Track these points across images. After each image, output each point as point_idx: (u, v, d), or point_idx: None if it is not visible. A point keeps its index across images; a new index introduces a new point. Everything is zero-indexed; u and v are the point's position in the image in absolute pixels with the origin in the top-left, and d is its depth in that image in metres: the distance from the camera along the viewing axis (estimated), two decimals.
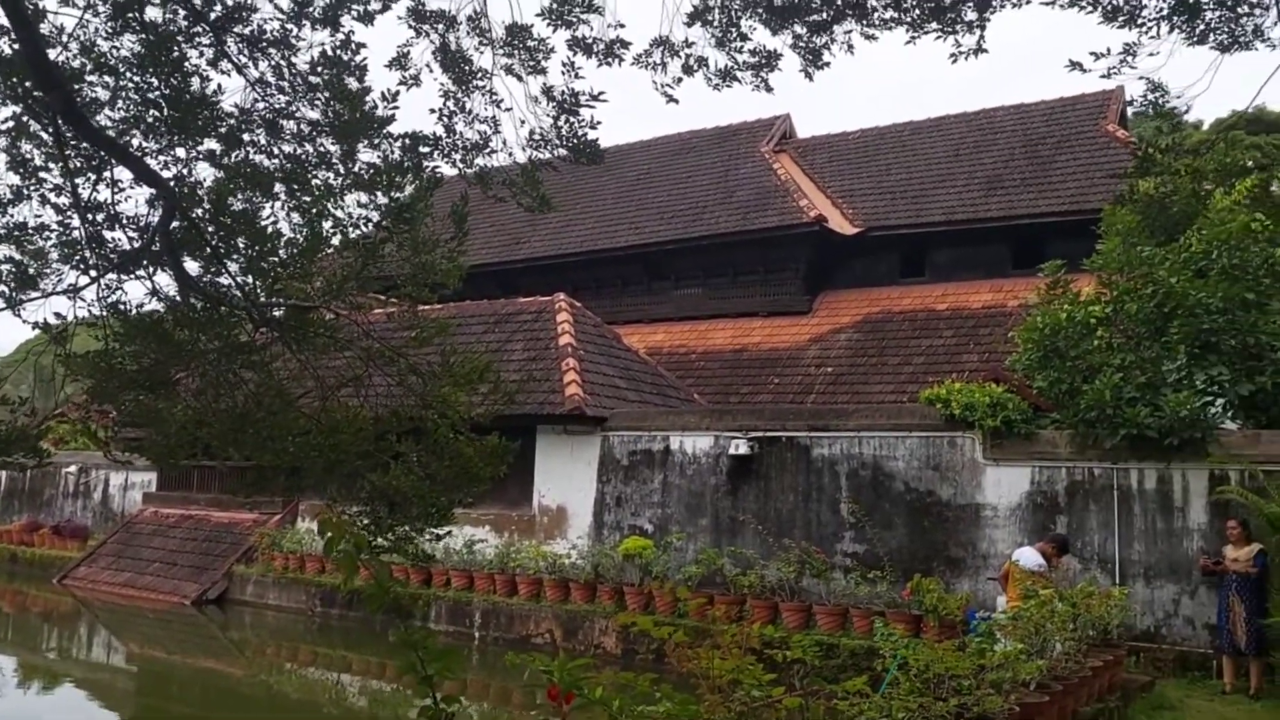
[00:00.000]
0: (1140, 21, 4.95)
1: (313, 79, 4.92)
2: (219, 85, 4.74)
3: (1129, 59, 5.07)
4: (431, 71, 5.42)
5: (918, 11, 5.16)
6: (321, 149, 4.90)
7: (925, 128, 25.01)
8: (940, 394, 13.13)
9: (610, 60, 5.42)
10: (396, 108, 4.72)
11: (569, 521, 16.28)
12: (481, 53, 5.42)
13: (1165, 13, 4.92)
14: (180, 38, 4.85)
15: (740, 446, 14.46)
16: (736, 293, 23.22)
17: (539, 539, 16.32)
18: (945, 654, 6.10)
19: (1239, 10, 5.10)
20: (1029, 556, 10.29)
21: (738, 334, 22.30)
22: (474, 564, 16.19)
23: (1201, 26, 5.00)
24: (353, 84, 4.86)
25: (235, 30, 4.92)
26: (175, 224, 4.42)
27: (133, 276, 4.54)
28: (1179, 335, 12.04)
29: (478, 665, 14.61)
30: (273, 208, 4.66)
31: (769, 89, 5.63)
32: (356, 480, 4.84)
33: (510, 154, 5.59)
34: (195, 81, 4.76)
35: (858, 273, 22.26)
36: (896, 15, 5.20)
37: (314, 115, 4.94)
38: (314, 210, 4.72)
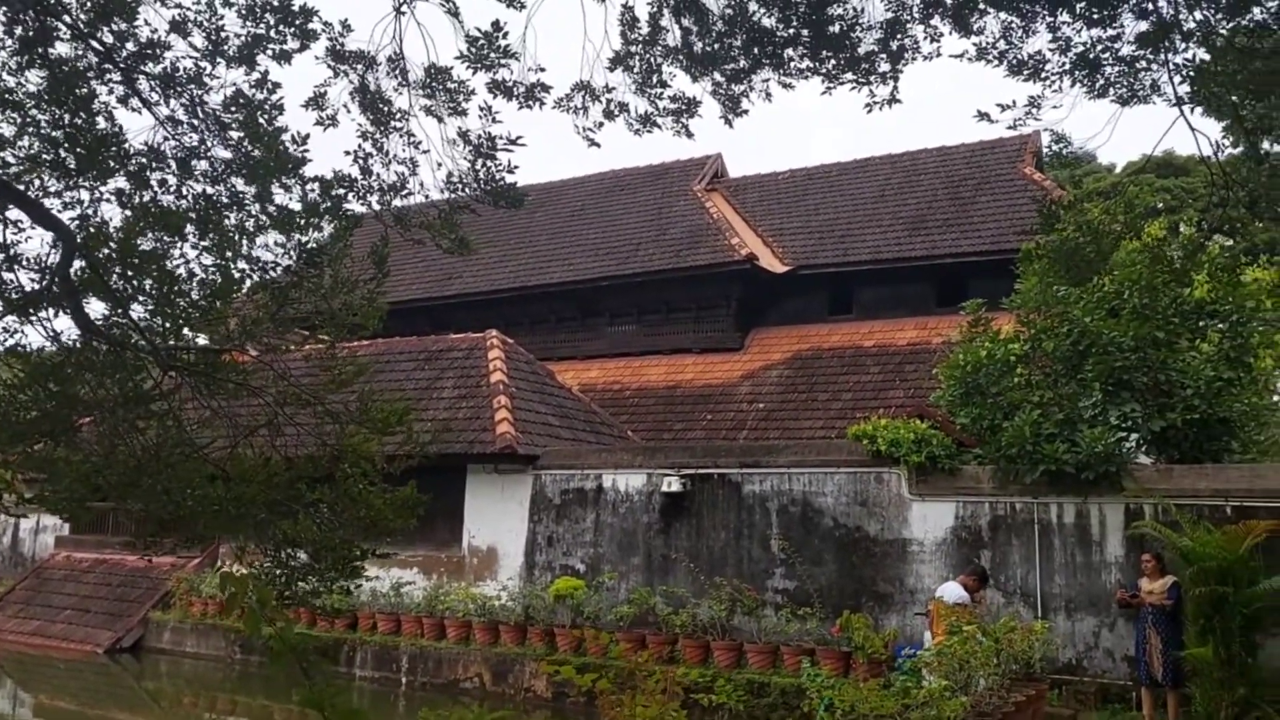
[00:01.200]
0: (1044, 75, 5.16)
1: (226, 118, 4.83)
2: (121, 127, 4.61)
3: (1034, 110, 5.27)
4: (349, 112, 5.38)
5: (833, 62, 5.30)
6: (234, 189, 4.79)
7: (852, 168, 25.59)
8: (867, 430, 13.32)
9: (531, 103, 5.42)
10: (307, 150, 4.64)
11: (499, 562, 16.04)
12: (400, 93, 5.41)
13: (1068, 68, 5.13)
14: (89, 74, 4.73)
15: (673, 484, 14.45)
16: (670, 329, 23.35)
17: (469, 580, 16.05)
18: (870, 694, 6.13)
19: (1137, 66, 5.34)
20: (952, 591, 10.42)
21: (671, 370, 22.40)
22: (401, 607, 15.84)
23: (1102, 81, 5.21)
24: (267, 124, 4.77)
25: (146, 68, 4.82)
26: (77, 265, 4.28)
27: (32, 319, 4.37)
28: (1094, 373, 12.41)
29: (404, 712, 14.24)
30: (182, 249, 4.54)
31: (689, 135, 5.71)
32: (266, 529, 4.69)
33: (427, 195, 5.54)
34: (102, 120, 4.63)
35: (788, 310, 22.57)
36: (812, 65, 5.32)
37: (226, 155, 4.85)
38: (227, 251, 4.61)
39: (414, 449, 5.32)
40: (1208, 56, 5.51)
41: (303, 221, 4.71)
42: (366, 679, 15.32)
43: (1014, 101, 5.16)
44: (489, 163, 5.20)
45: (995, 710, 7.95)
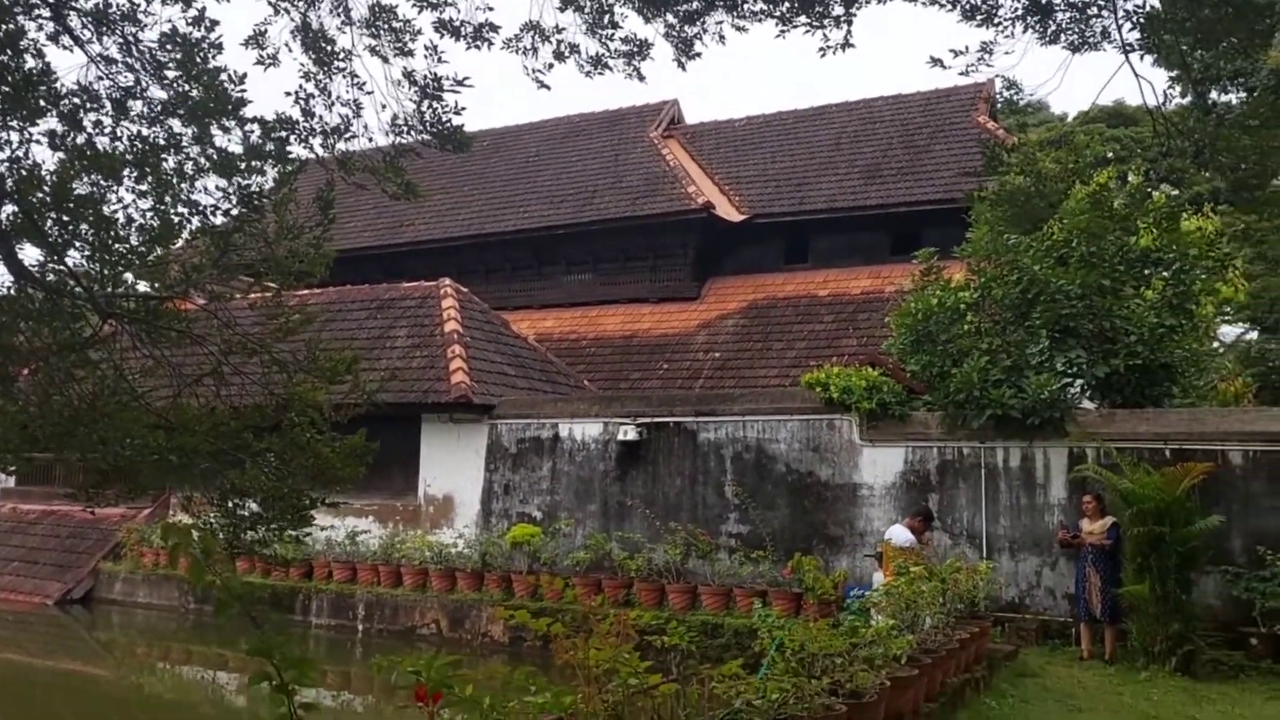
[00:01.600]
0: (996, 21, 5.15)
1: (162, 56, 4.64)
2: (50, 65, 4.38)
3: (986, 56, 5.27)
4: (291, 51, 5.19)
5: (787, 5, 5.24)
6: (171, 131, 4.62)
7: (809, 116, 25.50)
8: (820, 378, 13.46)
9: (479, 44, 5.29)
10: (245, 90, 4.46)
11: (456, 510, 16.07)
12: (344, 32, 5.23)
13: (1019, 13, 5.13)
14: (16, 8, 4.51)
15: (629, 432, 14.53)
16: (626, 278, 23.28)
17: (425, 528, 16.07)
18: (819, 633, 6.26)
19: (1088, 13, 5.35)
20: (900, 534, 10.66)
21: (628, 320, 22.38)
22: (357, 555, 15.85)
23: (1053, 27, 5.22)
24: (205, 63, 4.59)
25: (76, 4, 4.61)
26: (8, 210, 4.13)
27: None
28: (1041, 320, 12.63)
29: (360, 658, 14.32)
30: (119, 193, 4.39)
31: (641, 78, 5.63)
32: (213, 479, 4.62)
33: (371, 139, 5.41)
34: (30, 58, 4.42)
35: (744, 259, 22.60)
36: (766, 8, 5.26)
37: (163, 95, 4.67)
38: (166, 195, 4.47)
39: (361, 398, 5.25)
40: (1158, 4, 5.54)
41: (244, 165, 4.57)
42: (323, 627, 15.35)
43: (966, 48, 5.16)
44: (435, 104, 5.09)
45: (940, 647, 8.18)
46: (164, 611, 16.95)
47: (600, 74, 5.41)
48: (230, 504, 4.71)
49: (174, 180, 4.53)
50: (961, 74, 5.41)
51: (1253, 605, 10.68)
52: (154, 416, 4.47)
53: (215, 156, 4.61)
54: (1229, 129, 6.70)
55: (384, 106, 5.07)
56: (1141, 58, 5.69)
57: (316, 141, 5.01)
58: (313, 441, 4.94)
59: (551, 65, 5.56)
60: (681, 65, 5.53)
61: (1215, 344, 21.90)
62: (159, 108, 4.55)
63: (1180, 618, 10.21)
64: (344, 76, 5.18)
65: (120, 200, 4.34)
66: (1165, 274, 13.22)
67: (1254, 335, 28.52)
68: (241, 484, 4.69)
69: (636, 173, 24.05)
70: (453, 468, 16.18)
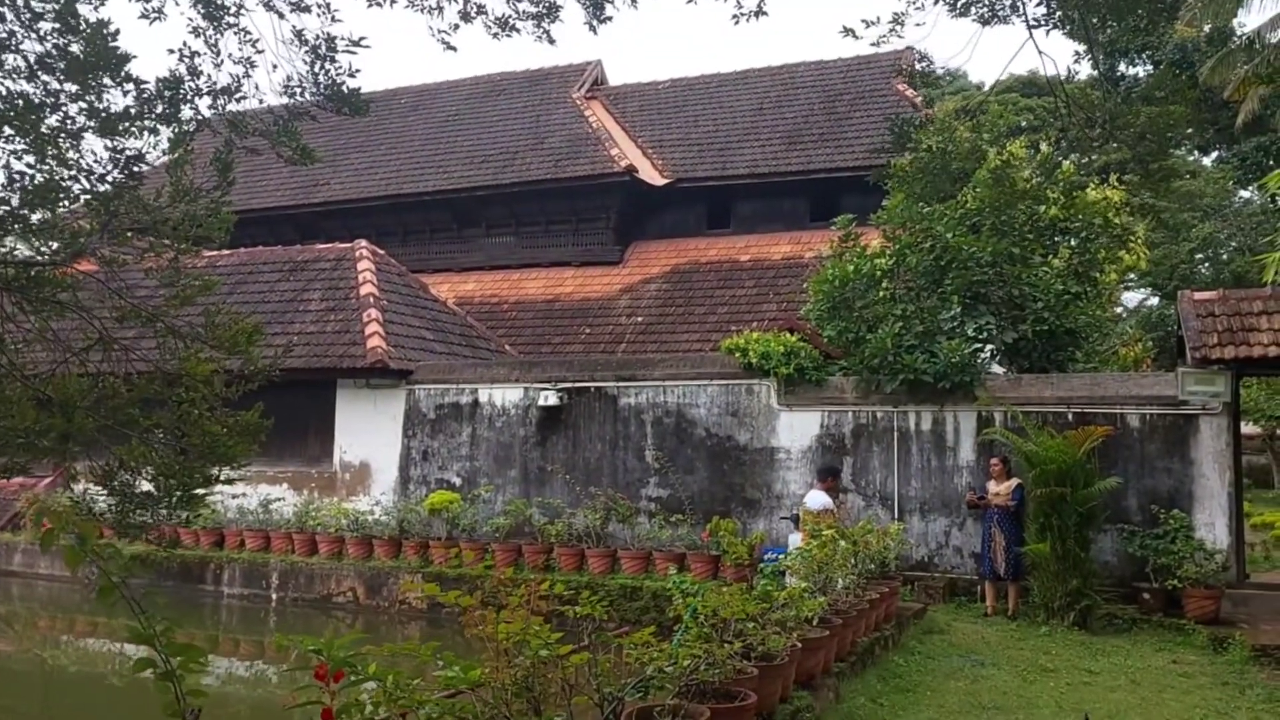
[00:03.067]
0: None
1: (38, 6, 4.33)
2: None
3: (898, 28, 5.30)
4: (179, 4, 4.89)
5: None
6: (50, 88, 4.33)
7: (731, 80, 25.47)
8: (739, 343, 13.57)
9: (380, 1, 5.09)
10: (116, 44, 4.18)
11: (373, 477, 15.84)
12: None
13: None
14: None
15: (549, 398, 14.46)
16: (549, 242, 23.07)
17: (341, 496, 15.82)
18: (733, 598, 6.34)
19: None
20: (816, 498, 10.86)
21: (550, 284, 22.21)
22: (271, 524, 15.55)
23: (964, 1, 5.28)
24: (87, 17, 4.32)
25: None
26: None
27: None
28: (953, 287, 12.91)
29: (274, 627, 14.10)
30: None
31: (551, 40, 5.49)
32: (99, 454, 4.41)
33: (262, 100, 5.17)
34: None
35: (667, 223, 22.59)
36: None
37: (39, 49, 4.36)
38: (47, 154, 4.20)
39: (256, 371, 5.06)
40: None
41: (132, 125, 4.32)
42: (235, 596, 15.04)
43: (878, 18, 5.17)
44: (328, 65, 4.88)
45: (851, 608, 8.39)
46: (67, 583, 16.38)
47: (508, 36, 5.28)
48: (117, 482, 4.51)
49: (56, 139, 4.27)
50: (873, 44, 5.43)
51: (1146, 561, 11.21)
52: (31, 390, 4.23)
53: (102, 114, 4.35)
54: (1131, 103, 6.86)
55: (275, 67, 4.84)
56: (1048, 33, 5.79)
57: (204, 102, 4.77)
58: (201, 417, 4.74)
59: (458, 26, 5.41)
60: (593, 28, 5.42)
61: (1118, 310, 22.74)
62: (35, 62, 4.26)
63: (1079, 574, 10.65)
64: (234, 33, 4.93)
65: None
66: (1072, 243, 13.62)
67: (1154, 301, 29.72)
68: (130, 461, 4.49)
69: (559, 134, 23.76)
70: (369, 434, 15.92)
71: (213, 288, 4.88)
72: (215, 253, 20.35)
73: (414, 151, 25.55)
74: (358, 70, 4.94)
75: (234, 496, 16.34)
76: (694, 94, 25.35)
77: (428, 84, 28.88)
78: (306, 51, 4.84)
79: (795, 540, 11.00)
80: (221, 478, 5.18)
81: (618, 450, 14.32)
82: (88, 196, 4.37)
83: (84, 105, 4.16)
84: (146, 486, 4.75)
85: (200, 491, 4.95)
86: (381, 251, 19.04)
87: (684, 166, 22.55)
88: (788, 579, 8.67)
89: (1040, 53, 5.07)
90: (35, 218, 4.07)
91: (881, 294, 13.24)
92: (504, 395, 15.09)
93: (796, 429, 13.35)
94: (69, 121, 4.25)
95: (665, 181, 22.18)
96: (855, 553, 9.31)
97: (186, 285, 4.70)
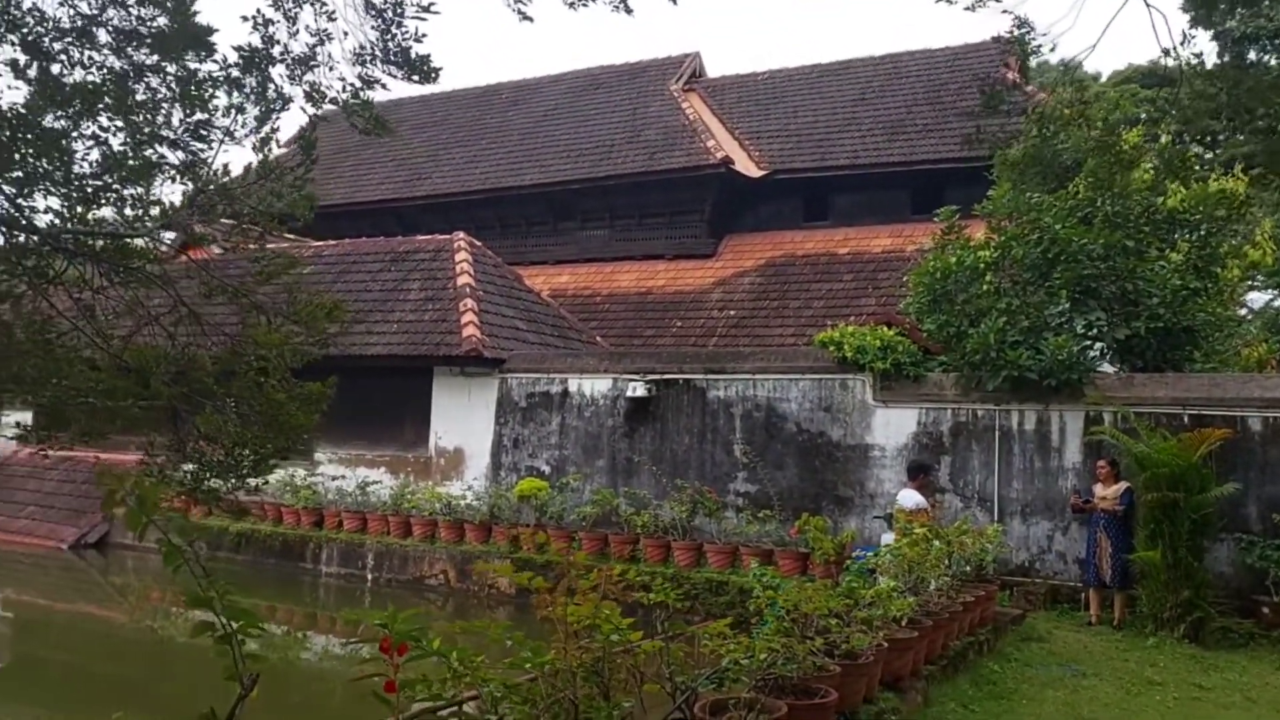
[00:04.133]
0: None
1: None
2: None
3: None
4: None
5: None
6: (135, 62, 4.40)
7: (833, 70, 24.97)
8: (833, 337, 13.26)
9: None
10: (197, 14, 4.23)
11: (466, 463, 16.08)
12: None
13: None
14: None
15: (638, 389, 14.41)
16: (643, 234, 23.03)
17: (435, 480, 16.10)
18: (816, 594, 6.15)
19: None
20: (909, 497, 10.52)
21: (643, 276, 22.18)
22: (368, 505, 15.95)
23: None
24: None
25: None
26: None
27: None
28: (1062, 280, 12.34)
29: (369, 606, 14.43)
30: (89, 128, 4.20)
31: (628, 10, 5.36)
32: (175, 424, 4.51)
33: (333, 67, 5.17)
34: None
35: (762, 216, 22.28)
36: None
37: (128, 24, 4.44)
38: (139, 131, 4.31)
39: (315, 343, 5.05)
40: None
41: (211, 93, 4.38)
42: (333, 575, 15.47)
43: None
44: (396, 31, 4.85)
45: (943, 610, 8.08)
46: None
47: (584, 5, 5.18)
48: (190, 448, 4.59)
49: (147, 114, 4.38)
50: (967, 9, 5.15)
51: (1266, 573, 10.50)
52: (109, 357, 4.34)
53: (192, 90, 4.45)
54: (1261, 92, 6.39)
55: (346, 34, 4.84)
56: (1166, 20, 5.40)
57: (279, 70, 4.79)
58: (266, 386, 4.78)
59: None
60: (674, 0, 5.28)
61: (1241, 309, 21.45)
62: (121, 37, 4.35)
63: (1191, 585, 10.05)
64: (310, 3, 4.95)
65: (92, 135, 4.19)
66: (1191, 236, 12.87)
67: None
68: (205, 429, 4.58)
69: (655, 127, 23.69)
70: (463, 421, 16.16)
71: (296, 265, 4.94)
72: (320, 243, 21.00)
73: (512, 146, 25.84)
74: (424, 35, 4.91)
75: (333, 479, 16.87)
76: (793, 85, 24.94)
77: (526, 79, 29.18)
78: (375, 19, 4.83)
79: (888, 539, 10.67)
80: (295, 448, 5.24)
81: (705, 443, 14.17)
82: (175, 169, 4.47)
83: (169, 76, 4.24)
84: (221, 456, 4.84)
85: (269, 462, 5.01)
86: (479, 243, 19.31)
87: (781, 158, 22.21)
88: (878, 578, 8.41)
89: (1149, 6, 4.69)
90: (128, 192, 4.19)
91: (985, 287, 12.74)
92: (593, 385, 15.11)
93: (892, 426, 12.97)
94: (155, 93, 4.34)
95: (762, 173, 21.89)
96: (949, 553, 8.98)
97: (270, 261, 4.77)
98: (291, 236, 22.89)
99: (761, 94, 25.02)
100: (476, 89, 29.75)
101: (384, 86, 4.85)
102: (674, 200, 22.49)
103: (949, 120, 21.23)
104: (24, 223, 4.00)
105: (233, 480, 4.99)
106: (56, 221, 4.11)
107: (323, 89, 4.73)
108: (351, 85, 4.74)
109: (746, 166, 22.00)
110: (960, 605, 8.49)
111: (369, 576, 15.18)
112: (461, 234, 19.02)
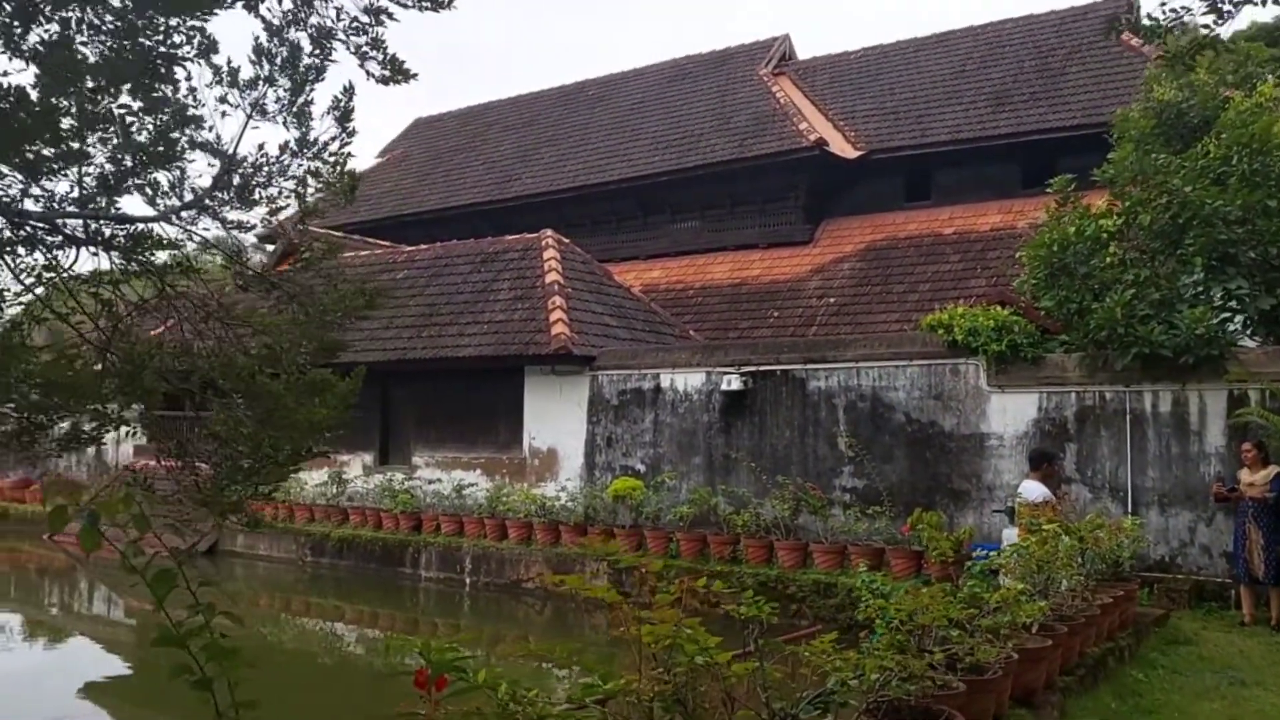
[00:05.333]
0: None
1: None
2: None
3: None
4: None
5: None
6: (156, 22, 4.00)
7: (929, 44, 23.82)
8: (942, 319, 12.41)
9: None
10: None
11: (560, 463, 15.74)
12: None
13: None
14: None
15: (733, 382, 13.81)
16: (735, 224, 22.37)
17: (529, 482, 15.82)
18: (932, 601, 5.47)
19: None
20: (1033, 489, 9.64)
21: (736, 267, 21.51)
22: (464, 509, 15.80)
23: None
24: None
25: None
26: None
27: None
28: (1195, 248, 11.22)
29: (468, 611, 14.29)
30: (110, 107, 3.87)
31: None
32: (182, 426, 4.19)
33: (341, 7, 4.67)
34: None
35: (861, 198, 21.34)
36: None
37: None
38: (173, 108, 3.97)
39: (318, 336, 4.60)
40: None
41: (254, 67, 4.00)
42: (432, 579, 15.35)
43: None
44: None
45: (1078, 613, 7.26)
46: (283, 563, 17.33)
47: None
48: (209, 453, 4.25)
49: (172, 91, 4.05)
50: None
51: None
52: (94, 352, 4.02)
53: (220, 65, 4.12)
54: None
55: None
56: None
57: (283, 3, 4.32)
58: (270, 385, 4.37)
59: None
60: None
61: None
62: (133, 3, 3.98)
63: None
64: None
65: (115, 115, 3.87)
66: None
67: None
68: (224, 433, 4.23)
69: (744, 113, 22.99)
70: (556, 420, 15.84)
71: (336, 250, 4.56)
72: (412, 248, 21.03)
73: (599, 142, 25.51)
74: None
75: (430, 482, 16.79)
76: (888, 61, 23.89)
77: (613, 74, 28.83)
78: None
79: (1010, 536, 9.83)
80: (311, 452, 4.83)
81: (807, 437, 13.46)
82: (200, 147, 4.13)
83: (186, 36, 3.87)
84: (244, 461, 4.48)
85: (285, 468, 4.61)
86: (566, 240, 19.00)
87: (878, 137, 21.24)
88: (1001, 579, 7.64)
89: None
90: (155, 177, 3.88)
91: (1109, 258, 11.67)
92: (686, 380, 14.56)
93: (1010, 412, 12.03)
94: (182, 71, 4.00)
95: (858, 154, 20.96)
96: (1082, 550, 8.13)
97: (312, 249, 4.40)
98: (386, 244, 23.07)
99: (855, 73, 24.05)
100: (564, 87, 29.56)
101: (391, 16, 4.38)
102: (767, 187, 21.75)
103: (1059, 88, 19.94)
104: (27, 211, 3.72)
105: (253, 484, 4.62)
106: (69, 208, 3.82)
107: (330, 29, 4.30)
108: (357, 22, 4.29)
109: (842, 148, 21.11)
110: (1097, 608, 7.64)
111: (466, 580, 14.99)
112: (549, 231, 18.74)
